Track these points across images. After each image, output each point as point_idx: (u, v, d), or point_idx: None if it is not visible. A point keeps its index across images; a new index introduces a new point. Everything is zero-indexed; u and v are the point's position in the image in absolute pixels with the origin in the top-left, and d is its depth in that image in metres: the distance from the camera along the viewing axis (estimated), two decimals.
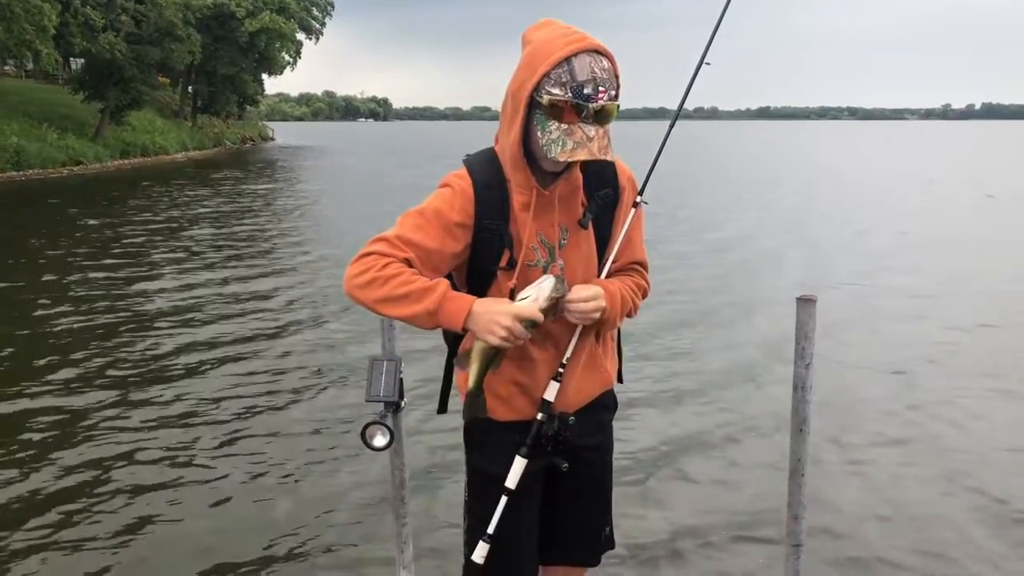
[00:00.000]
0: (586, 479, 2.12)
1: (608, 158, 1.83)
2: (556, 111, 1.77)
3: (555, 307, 1.84)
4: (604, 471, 2.19)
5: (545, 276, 1.86)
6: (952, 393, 6.02)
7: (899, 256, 11.99)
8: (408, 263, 1.83)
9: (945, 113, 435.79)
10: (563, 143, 1.77)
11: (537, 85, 1.77)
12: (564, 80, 1.75)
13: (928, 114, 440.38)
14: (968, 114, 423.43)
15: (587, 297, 1.88)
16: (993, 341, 7.51)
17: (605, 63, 1.77)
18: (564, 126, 1.77)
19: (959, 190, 22.53)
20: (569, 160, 1.80)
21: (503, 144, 1.90)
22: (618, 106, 1.81)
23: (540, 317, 1.81)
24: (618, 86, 1.80)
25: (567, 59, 1.74)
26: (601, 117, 1.78)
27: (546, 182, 1.90)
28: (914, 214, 17.26)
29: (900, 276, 10.52)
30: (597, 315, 1.90)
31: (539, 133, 1.80)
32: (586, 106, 1.76)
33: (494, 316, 1.79)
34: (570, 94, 1.75)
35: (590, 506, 2.17)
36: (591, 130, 1.78)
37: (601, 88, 1.76)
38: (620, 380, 2.21)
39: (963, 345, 7.35)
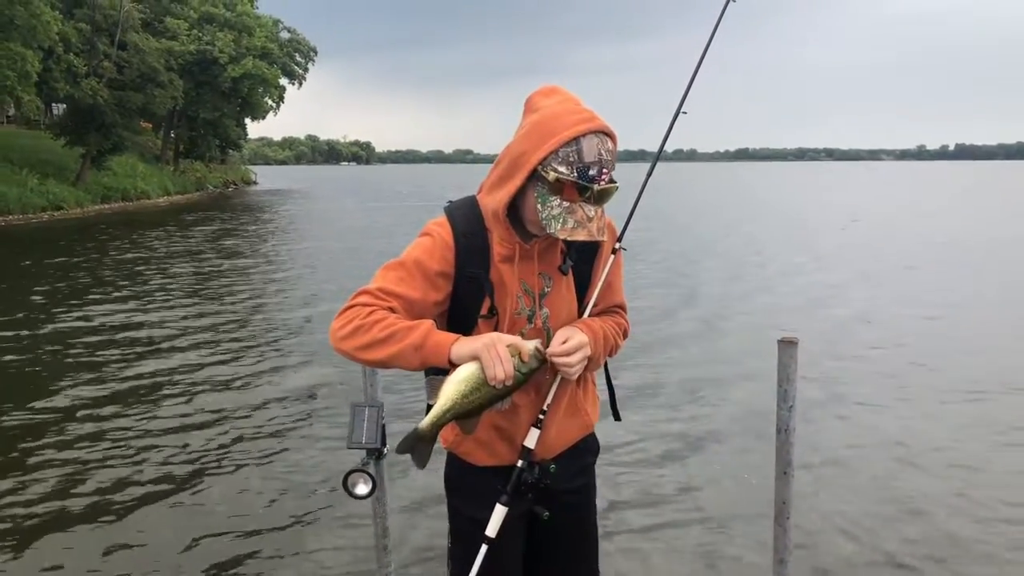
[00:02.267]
0: (570, 523, 2.10)
1: (604, 239, 1.87)
2: (558, 187, 1.79)
3: (533, 369, 1.82)
4: (587, 515, 2.17)
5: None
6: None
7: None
8: (392, 311, 1.83)
9: (920, 154, 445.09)
10: (564, 220, 1.79)
11: (544, 159, 1.79)
12: (571, 160, 1.77)
13: (903, 155, 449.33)
14: (942, 154, 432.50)
15: (572, 356, 1.86)
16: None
17: (610, 144, 1.80)
18: (566, 204, 1.79)
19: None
20: (569, 239, 1.81)
21: (489, 198, 1.92)
22: (617, 187, 1.84)
23: (526, 346, 1.77)
24: (615, 165, 1.84)
25: (576, 139, 1.77)
26: (601, 197, 1.82)
27: (527, 237, 1.93)
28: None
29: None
30: (581, 367, 1.89)
31: (539, 206, 1.81)
32: (590, 187, 1.78)
33: (479, 337, 1.78)
34: (576, 174, 1.77)
35: (576, 552, 2.14)
36: (591, 210, 1.81)
37: (604, 170, 1.79)
38: (618, 418, 2.21)
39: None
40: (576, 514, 2.12)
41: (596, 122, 1.79)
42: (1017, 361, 8.14)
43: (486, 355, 1.73)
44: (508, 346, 1.74)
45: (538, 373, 1.85)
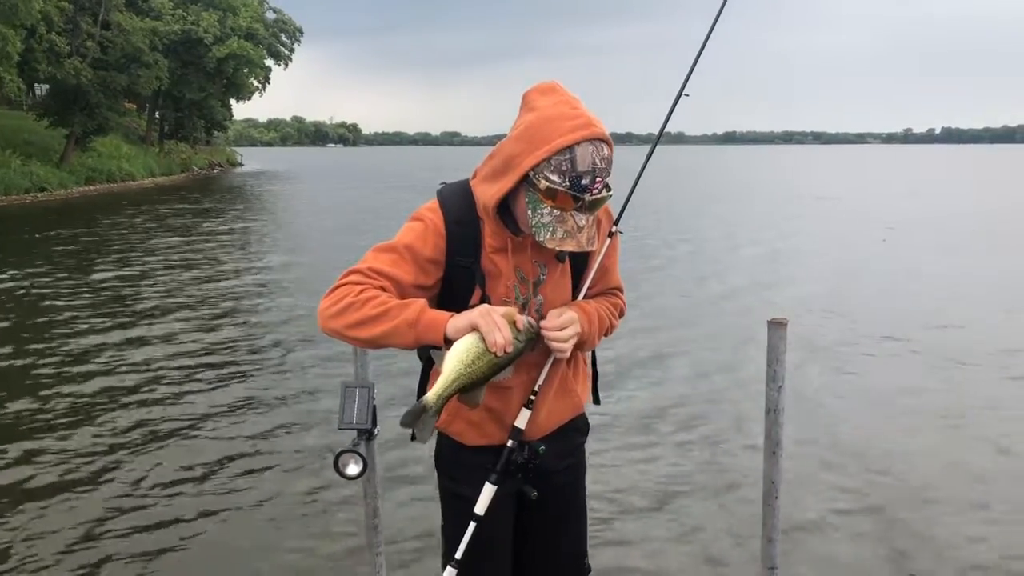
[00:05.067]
0: (558, 503, 2.11)
1: (593, 248, 1.83)
2: (550, 194, 1.75)
3: (529, 340, 1.82)
4: (576, 494, 2.18)
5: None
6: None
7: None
8: (383, 291, 1.81)
9: (906, 137, 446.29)
10: (553, 230, 1.76)
11: (535, 166, 1.74)
12: (564, 168, 1.72)
13: (890, 138, 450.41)
14: (928, 138, 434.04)
15: (563, 331, 1.86)
16: None
17: (605, 151, 1.75)
18: (556, 212, 1.76)
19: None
20: (557, 248, 1.79)
21: (481, 190, 1.89)
22: (611, 195, 1.80)
23: (520, 317, 1.78)
24: (610, 171, 1.79)
25: (570, 147, 1.72)
26: (593, 206, 1.78)
27: (519, 231, 1.90)
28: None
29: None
30: (571, 344, 1.89)
31: (529, 212, 1.78)
32: (582, 197, 1.75)
33: (473, 309, 1.76)
34: (568, 184, 1.73)
35: (564, 531, 2.16)
36: (582, 219, 1.77)
37: (598, 179, 1.75)
38: (597, 402, 2.21)
39: None
40: (565, 494, 2.13)
41: (591, 129, 1.73)
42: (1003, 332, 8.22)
43: (483, 322, 1.71)
44: (502, 315, 1.74)
45: (533, 345, 1.83)
